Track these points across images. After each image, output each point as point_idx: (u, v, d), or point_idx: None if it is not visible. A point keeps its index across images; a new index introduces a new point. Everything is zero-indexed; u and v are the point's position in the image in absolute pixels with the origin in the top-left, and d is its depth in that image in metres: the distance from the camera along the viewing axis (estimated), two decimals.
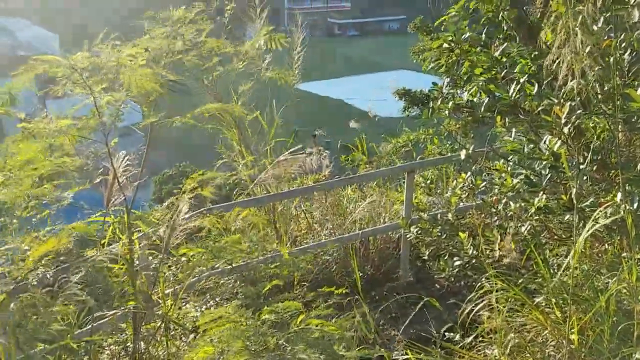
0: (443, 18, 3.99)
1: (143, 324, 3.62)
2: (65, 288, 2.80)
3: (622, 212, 2.81)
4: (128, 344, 3.96)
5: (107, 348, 4.13)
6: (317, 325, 2.45)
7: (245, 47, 5.49)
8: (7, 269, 2.97)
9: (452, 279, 5.36)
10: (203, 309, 4.39)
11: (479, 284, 3.56)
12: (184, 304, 4.61)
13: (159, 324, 3.58)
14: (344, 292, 4.30)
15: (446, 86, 3.98)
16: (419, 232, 4.85)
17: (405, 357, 3.37)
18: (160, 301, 3.74)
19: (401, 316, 5.11)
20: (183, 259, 4.21)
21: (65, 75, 2.62)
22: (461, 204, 4.87)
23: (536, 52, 3.43)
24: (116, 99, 2.80)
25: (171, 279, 4.32)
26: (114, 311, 3.36)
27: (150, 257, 4.11)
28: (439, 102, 3.93)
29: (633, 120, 3.04)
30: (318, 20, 59.40)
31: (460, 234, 4.21)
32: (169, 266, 4.60)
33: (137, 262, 3.75)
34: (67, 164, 2.89)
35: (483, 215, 4.43)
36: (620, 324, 2.74)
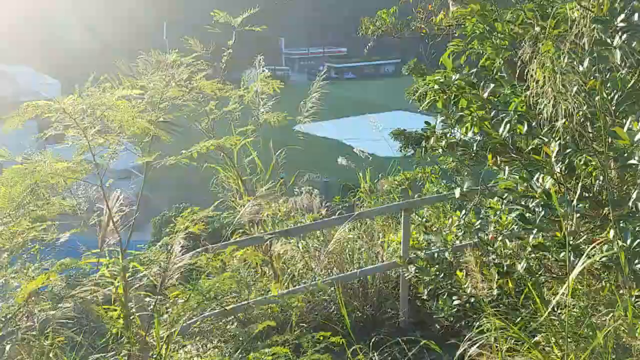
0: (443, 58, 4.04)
1: None
2: (51, 324, 2.75)
3: (615, 249, 2.81)
4: None
5: None
6: None
7: (240, 91, 5.59)
8: None
9: (452, 319, 5.30)
10: (198, 353, 4.30)
11: (478, 323, 3.52)
12: (179, 347, 4.53)
13: None
14: (338, 339, 4.12)
15: (439, 124, 4.03)
16: (417, 271, 4.83)
17: None
18: (155, 344, 3.68)
19: (401, 359, 5.02)
20: (180, 300, 4.15)
21: (58, 119, 2.65)
22: (457, 242, 4.86)
23: (527, 92, 3.49)
24: (109, 140, 2.82)
25: (166, 321, 4.25)
26: (109, 354, 3.30)
27: (147, 299, 4.05)
28: (431, 141, 3.98)
29: (623, 157, 3.07)
30: (315, 64, 60.12)
31: (458, 272, 4.19)
32: (166, 308, 4.54)
33: (132, 304, 3.71)
34: (54, 208, 2.88)
35: (480, 253, 4.41)
36: None
